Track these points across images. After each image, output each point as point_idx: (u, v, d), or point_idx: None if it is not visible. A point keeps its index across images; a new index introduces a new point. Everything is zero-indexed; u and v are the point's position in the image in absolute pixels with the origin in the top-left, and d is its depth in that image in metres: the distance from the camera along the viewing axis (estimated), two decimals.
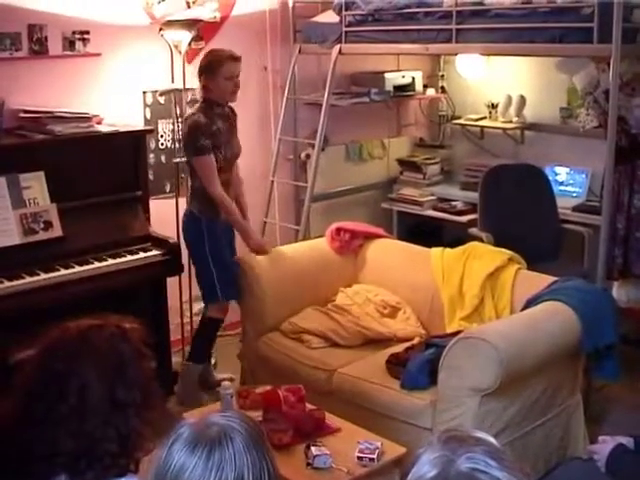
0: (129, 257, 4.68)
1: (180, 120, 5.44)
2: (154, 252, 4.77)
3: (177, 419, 1.73)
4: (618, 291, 5.19)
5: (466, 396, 3.63)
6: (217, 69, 4.69)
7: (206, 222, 4.80)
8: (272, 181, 6.06)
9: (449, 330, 4.40)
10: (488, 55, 6.18)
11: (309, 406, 3.70)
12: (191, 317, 5.60)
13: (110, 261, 4.59)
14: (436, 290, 4.70)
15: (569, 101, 6.39)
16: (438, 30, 5.26)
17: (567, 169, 6.36)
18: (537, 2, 4.85)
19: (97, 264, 4.54)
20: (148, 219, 4.99)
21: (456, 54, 6.51)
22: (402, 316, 4.72)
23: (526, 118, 6.67)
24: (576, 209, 5.94)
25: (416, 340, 4.42)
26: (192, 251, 4.94)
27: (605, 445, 2.89)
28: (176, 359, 5.35)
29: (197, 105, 4.82)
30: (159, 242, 4.84)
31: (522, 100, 6.62)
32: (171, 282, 5.08)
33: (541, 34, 4.73)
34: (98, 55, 5.15)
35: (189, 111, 4.88)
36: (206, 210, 4.80)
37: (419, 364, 3.94)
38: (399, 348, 4.31)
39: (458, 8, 5.13)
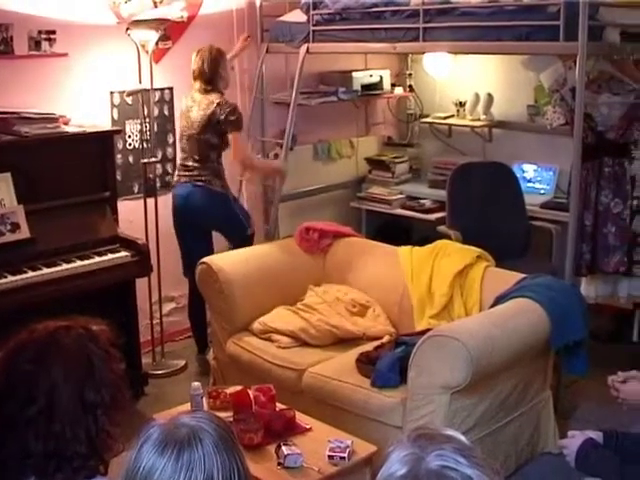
0: (97, 259, 4.66)
1: (148, 120, 5.44)
2: (122, 253, 4.76)
3: (147, 420, 1.72)
4: (586, 287, 5.22)
5: (436, 394, 3.64)
6: (224, 59, 5.33)
7: (230, 196, 5.37)
8: (240, 181, 6.04)
9: (418, 328, 4.41)
10: (455, 53, 6.19)
11: (279, 406, 3.69)
12: (160, 318, 5.59)
13: (78, 263, 4.57)
14: (405, 288, 4.70)
15: (536, 99, 6.43)
16: (405, 29, 5.26)
17: (535, 166, 6.39)
18: (504, 0, 4.88)
19: (65, 266, 4.52)
20: (116, 220, 4.97)
21: (424, 53, 6.53)
22: (372, 314, 4.72)
23: (494, 116, 6.71)
24: (544, 206, 5.98)
25: (386, 338, 4.42)
26: (230, 223, 5.37)
27: (574, 440, 2.90)
28: (146, 360, 5.34)
29: (221, 94, 5.24)
30: (128, 243, 4.83)
31: (490, 98, 6.65)
32: (140, 283, 5.07)
33: (508, 32, 4.74)
34: (64, 55, 5.11)
35: (218, 98, 5.18)
36: (226, 185, 5.35)
37: (389, 362, 3.94)
38: (369, 347, 4.31)
39: (425, 7, 5.13)
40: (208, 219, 5.32)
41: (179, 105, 5.55)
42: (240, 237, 5.36)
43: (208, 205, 5.23)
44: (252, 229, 5.48)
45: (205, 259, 4.78)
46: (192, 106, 5.21)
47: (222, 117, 5.09)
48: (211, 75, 5.17)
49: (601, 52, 4.82)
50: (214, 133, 5.16)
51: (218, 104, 5.13)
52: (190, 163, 5.22)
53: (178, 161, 5.46)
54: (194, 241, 5.32)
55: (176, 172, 5.39)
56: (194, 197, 5.21)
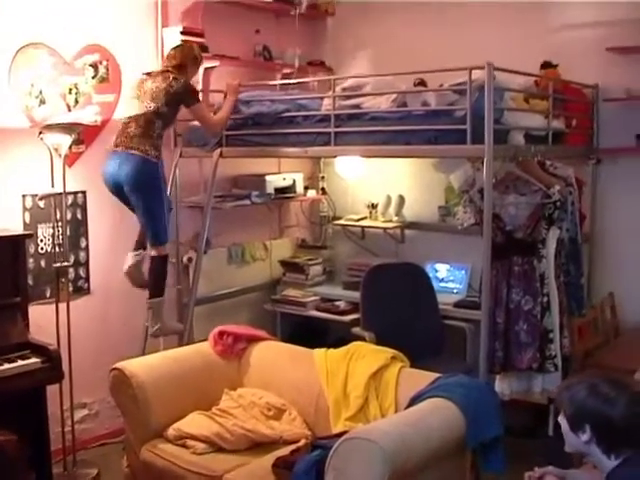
0: (7, 365, 4.54)
1: (60, 224, 5.39)
2: (33, 360, 4.66)
3: None
4: (500, 384, 5.25)
5: None
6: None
7: (162, 166, 5.33)
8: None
9: (335, 431, 4.39)
10: (366, 157, 6.30)
11: None
12: (72, 426, 5.44)
13: None
14: (321, 391, 4.69)
15: (447, 199, 6.58)
16: (317, 133, 5.35)
17: (447, 266, 6.51)
18: (412, 105, 5.00)
19: None
20: (27, 325, 4.88)
21: (335, 156, 6.63)
22: (287, 418, 4.69)
23: (405, 217, 6.82)
24: (457, 305, 6.08)
25: (302, 442, 4.38)
26: (151, 197, 5.25)
27: None
28: (57, 470, 5.19)
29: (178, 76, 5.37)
30: (39, 349, 4.73)
31: (401, 200, 6.78)
32: (52, 389, 4.96)
33: (417, 136, 4.84)
34: None
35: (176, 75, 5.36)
36: (161, 155, 5.32)
37: (306, 466, 3.89)
38: (285, 450, 4.26)
39: (336, 112, 5.24)
40: (135, 186, 5.24)
41: (92, 208, 5.57)
42: (155, 222, 5.36)
43: (139, 172, 5.22)
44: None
45: (118, 365, 4.70)
46: (147, 79, 5.37)
47: (178, 88, 5.28)
48: (180, 63, 5.43)
49: (507, 154, 4.94)
50: (165, 104, 5.27)
51: (174, 78, 5.29)
52: (131, 130, 5.27)
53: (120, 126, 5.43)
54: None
55: (114, 138, 5.37)
56: (126, 165, 5.22)
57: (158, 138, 5.28)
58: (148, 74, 5.43)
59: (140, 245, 5.62)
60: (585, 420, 3.00)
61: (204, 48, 6.14)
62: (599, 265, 5.99)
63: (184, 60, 5.43)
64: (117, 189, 5.29)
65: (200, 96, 5.51)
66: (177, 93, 5.26)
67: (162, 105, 5.24)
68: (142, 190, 5.23)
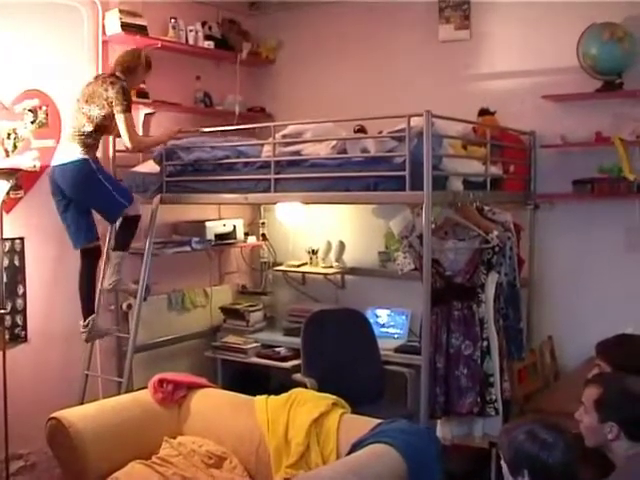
0: None
1: None
2: None
3: None
4: (442, 429, 5.24)
5: None
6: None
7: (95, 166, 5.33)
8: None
9: (276, 479, 4.36)
10: (306, 203, 6.32)
11: None
12: (7, 478, 5.34)
13: None
14: (262, 439, 4.66)
15: (387, 245, 6.61)
16: (257, 180, 5.36)
17: (388, 311, 6.52)
18: (352, 152, 5.03)
19: None
20: None
21: (275, 203, 6.64)
22: (228, 466, 4.64)
23: (346, 263, 6.85)
24: (398, 350, 6.10)
25: None
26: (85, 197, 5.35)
27: None
28: None
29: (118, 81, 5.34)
30: None
31: (342, 245, 6.81)
32: None
33: (356, 183, 4.87)
34: None
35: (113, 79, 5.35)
36: (90, 153, 5.32)
37: None
38: None
39: (276, 158, 5.25)
40: (73, 192, 5.31)
41: (30, 254, 5.51)
42: (113, 213, 5.55)
43: (72, 175, 5.25)
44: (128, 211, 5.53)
45: (55, 414, 4.62)
46: (89, 82, 5.40)
47: (111, 92, 5.24)
48: (123, 69, 5.40)
49: (445, 200, 4.99)
50: (98, 107, 5.27)
51: (111, 82, 5.26)
52: (69, 133, 5.34)
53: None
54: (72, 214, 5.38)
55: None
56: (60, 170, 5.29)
57: (88, 139, 5.30)
58: (95, 77, 5.46)
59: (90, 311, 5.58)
60: (523, 465, 3.00)
61: (144, 94, 6.15)
62: (538, 309, 6.06)
63: (130, 64, 5.40)
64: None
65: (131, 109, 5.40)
66: (109, 97, 5.24)
67: (95, 108, 5.26)
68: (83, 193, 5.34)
